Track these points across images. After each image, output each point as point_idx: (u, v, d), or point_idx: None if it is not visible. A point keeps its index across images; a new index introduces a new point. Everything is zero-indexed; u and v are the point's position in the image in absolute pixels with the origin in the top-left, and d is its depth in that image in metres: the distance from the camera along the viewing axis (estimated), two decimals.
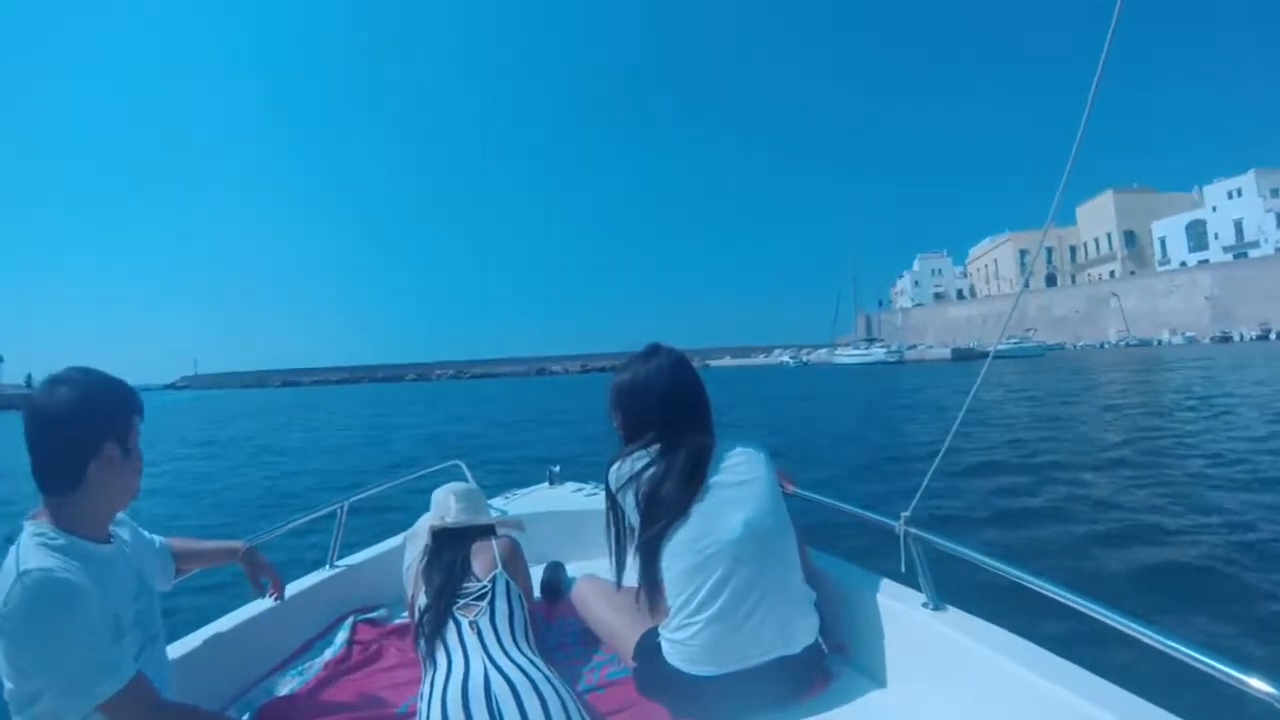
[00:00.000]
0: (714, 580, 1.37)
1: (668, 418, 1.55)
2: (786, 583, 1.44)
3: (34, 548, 1.02)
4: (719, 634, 1.36)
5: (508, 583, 1.62)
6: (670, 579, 1.43)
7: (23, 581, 0.97)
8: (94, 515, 1.11)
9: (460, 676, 1.30)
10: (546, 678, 1.31)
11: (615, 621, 1.64)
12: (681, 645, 1.39)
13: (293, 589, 1.94)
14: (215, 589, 2.42)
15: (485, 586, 1.59)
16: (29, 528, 1.06)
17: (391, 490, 2.53)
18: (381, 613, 2.07)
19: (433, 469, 2.87)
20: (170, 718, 1.09)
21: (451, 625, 1.49)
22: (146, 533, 1.35)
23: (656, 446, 1.52)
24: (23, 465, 1.08)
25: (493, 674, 1.29)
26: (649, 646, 1.48)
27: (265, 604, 1.80)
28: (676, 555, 1.42)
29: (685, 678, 1.38)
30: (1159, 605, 3.38)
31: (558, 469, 3.19)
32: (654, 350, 1.65)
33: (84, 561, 1.05)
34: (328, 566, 2.12)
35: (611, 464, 1.58)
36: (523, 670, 1.31)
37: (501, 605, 1.55)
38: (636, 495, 1.49)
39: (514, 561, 1.72)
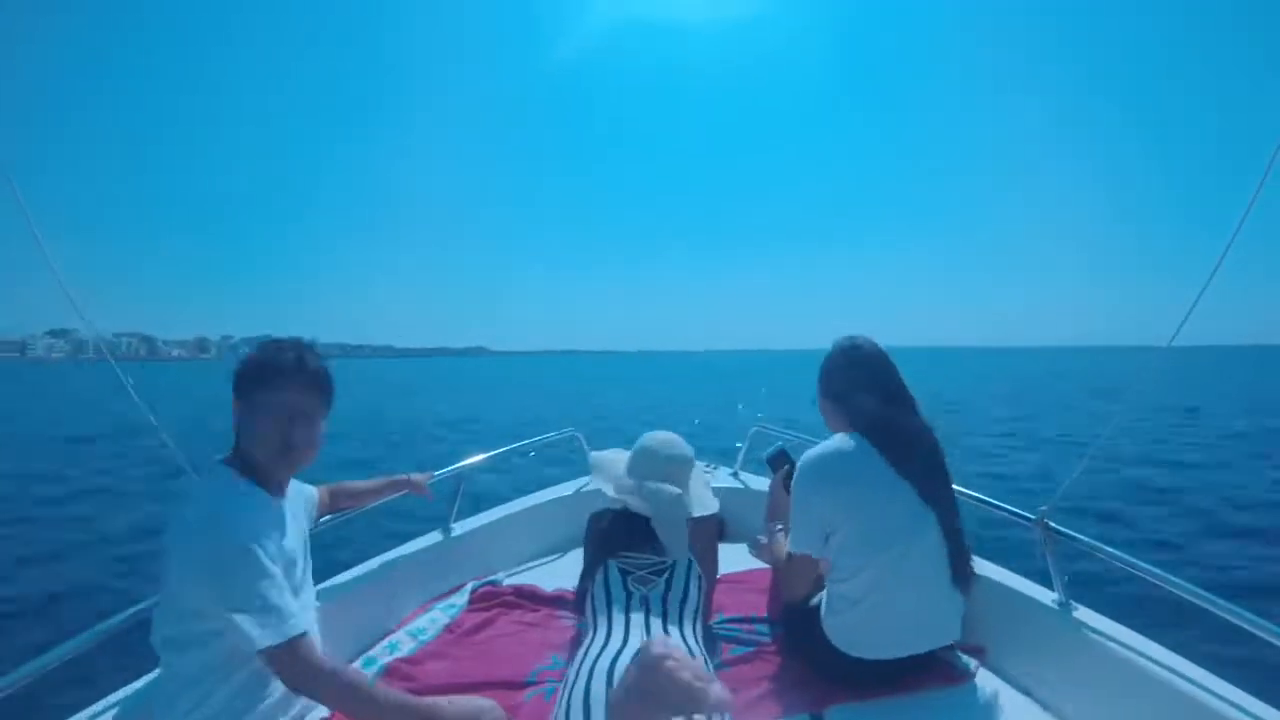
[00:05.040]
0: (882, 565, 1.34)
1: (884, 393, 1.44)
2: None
3: (219, 489, 1.09)
4: (879, 618, 1.33)
5: (690, 562, 1.56)
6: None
7: (209, 522, 1.03)
8: (263, 469, 1.15)
9: (614, 652, 1.24)
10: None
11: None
12: (841, 626, 1.37)
13: (411, 548, 2.00)
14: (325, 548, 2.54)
15: (665, 562, 1.53)
16: (217, 469, 1.13)
17: (505, 456, 2.49)
18: (498, 578, 2.11)
19: (548, 437, 2.93)
20: (332, 682, 1.02)
21: (622, 595, 1.45)
22: (306, 486, 1.44)
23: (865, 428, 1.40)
24: None
25: None
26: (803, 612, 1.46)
27: (387, 565, 1.88)
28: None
29: (843, 658, 1.36)
30: None
31: None
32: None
33: (258, 510, 1.11)
34: (443, 531, 2.15)
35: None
36: None
37: (678, 584, 1.49)
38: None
39: (705, 539, 1.65)
